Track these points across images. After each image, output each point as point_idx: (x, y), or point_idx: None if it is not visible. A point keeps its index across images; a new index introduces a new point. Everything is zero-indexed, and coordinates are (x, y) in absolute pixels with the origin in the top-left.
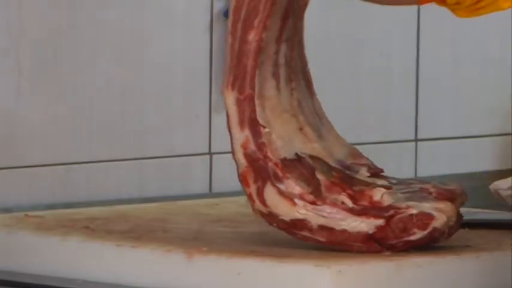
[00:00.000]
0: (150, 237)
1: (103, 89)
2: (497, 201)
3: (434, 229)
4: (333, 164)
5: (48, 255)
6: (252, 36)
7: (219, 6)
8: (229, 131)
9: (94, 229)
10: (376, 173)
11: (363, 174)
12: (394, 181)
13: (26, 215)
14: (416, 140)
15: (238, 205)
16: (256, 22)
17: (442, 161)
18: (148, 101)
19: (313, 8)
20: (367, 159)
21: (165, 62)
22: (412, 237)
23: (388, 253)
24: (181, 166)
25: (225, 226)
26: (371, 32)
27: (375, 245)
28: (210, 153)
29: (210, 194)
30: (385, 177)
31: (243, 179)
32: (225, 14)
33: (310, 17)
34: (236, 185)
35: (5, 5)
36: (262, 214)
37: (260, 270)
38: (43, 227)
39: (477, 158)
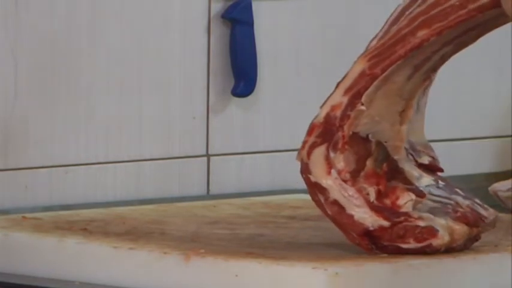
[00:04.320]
0: (147, 239)
1: (101, 91)
2: (496, 203)
3: (429, 245)
4: (405, 145)
5: (45, 257)
6: (421, 34)
7: (216, 8)
8: (336, 86)
9: (91, 231)
10: (434, 169)
11: (416, 168)
12: (442, 184)
13: (24, 217)
14: None
15: (235, 207)
16: (435, 26)
17: (441, 163)
18: (146, 103)
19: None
20: (434, 154)
21: (162, 63)
22: (404, 246)
23: (378, 252)
24: (178, 168)
25: (223, 228)
26: (369, 31)
27: (367, 241)
28: (208, 155)
29: (208, 196)
30: (439, 178)
31: (311, 127)
32: (223, 15)
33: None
34: (233, 186)
35: (3, 6)
36: (302, 162)
37: (257, 272)
38: (40, 229)
39: (476, 160)
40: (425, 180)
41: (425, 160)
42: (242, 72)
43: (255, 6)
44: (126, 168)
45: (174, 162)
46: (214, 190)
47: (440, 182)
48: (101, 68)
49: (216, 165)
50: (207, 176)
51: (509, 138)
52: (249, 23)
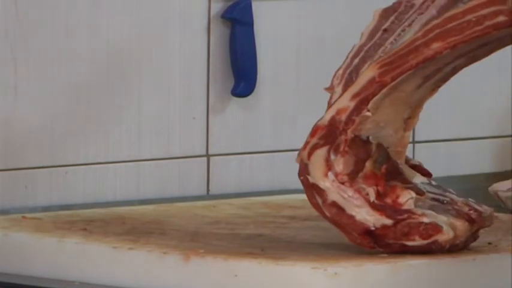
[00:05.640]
0: (147, 239)
1: (100, 91)
2: (496, 203)
3: (435, 242)
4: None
5: (45, 258)
6: (435, 46)
7: (216, 8)
8: (342, 91)
9: (91, 231)
10: (423, 173)
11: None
12: (434, 183)
13: (23, 217)
14: (414, 142)
15: (235, 207)
16: (450, 39)
17: (440, 163)
18: (146, 102)
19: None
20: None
21: (162, 63)
22: (409, 243)
23: (380, 250)
24: (178, 168)
25: (222, 228)
26: None
27: (369, 240)
28: (208, 155)
29: (207, 196)
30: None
31: (315, 128)
32: (223, 15)
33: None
34: (233, 186)
35: (3, 6)
36: (301, 162)
37: (257, 272)
38: (40, 229)
39: (476, 160)
40: (420, 178)
41: (416, 162)
42: (242, 72)
43: (255, 6)
44: (126, 168)
45: (174, 162)
46: (214, 190)
47: (433, 182)
48: (100, 68)
49: (216, 165)
50: (207, 176)
51: (509, 138)
52: (249, 23)
